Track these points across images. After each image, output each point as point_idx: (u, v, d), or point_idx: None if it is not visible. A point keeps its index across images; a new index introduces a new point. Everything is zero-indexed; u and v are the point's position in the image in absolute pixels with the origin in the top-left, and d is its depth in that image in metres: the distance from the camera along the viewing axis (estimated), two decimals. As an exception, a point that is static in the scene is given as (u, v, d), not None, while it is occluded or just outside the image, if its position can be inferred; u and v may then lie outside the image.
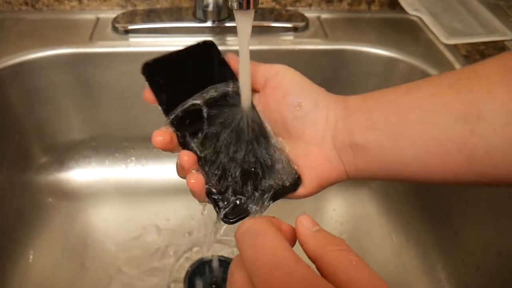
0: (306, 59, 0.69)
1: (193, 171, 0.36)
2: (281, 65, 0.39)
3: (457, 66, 0.63)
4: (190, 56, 0.41)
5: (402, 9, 0.75)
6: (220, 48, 0.66)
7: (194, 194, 0.36)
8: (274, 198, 0.35)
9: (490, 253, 0.54)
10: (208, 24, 0.67)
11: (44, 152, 0.72)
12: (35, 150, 0.71)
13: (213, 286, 0.63)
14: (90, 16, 0.71)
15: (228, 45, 0.67)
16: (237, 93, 0.39)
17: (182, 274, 0.64)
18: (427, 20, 0.72)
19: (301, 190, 0.37)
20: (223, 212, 0.34)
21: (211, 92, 0.39)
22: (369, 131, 0.35)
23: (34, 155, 0.71)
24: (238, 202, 0.34)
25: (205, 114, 0.38)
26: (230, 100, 0.39)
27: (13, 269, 0.63)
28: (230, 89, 0.39)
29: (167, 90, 0.39)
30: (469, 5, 0.75)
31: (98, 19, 0.70)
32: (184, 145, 0.36)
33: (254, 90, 0.40)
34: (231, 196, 0.34)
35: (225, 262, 0.65)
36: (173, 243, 0.68)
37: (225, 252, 0.67)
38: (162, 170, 0.77)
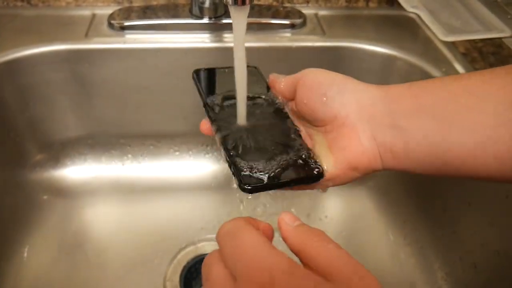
0: (303, 56, 0.68)
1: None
2: (307, 69, 0.40)
3: (455, 63, 0.63)
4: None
5: (400, 6, 0.74)
6: (217, 45, 0.67)
7: None
8: (293, 182, 0.35)
9: (488, 252, 0.54)
10: (205, 20, 0.67)
11: (39, 149, 0.71)
12: (30, 147, 0.70)
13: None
14: (86, 12, 0.70)
15: (224, 42, 0.66)
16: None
17: (178, 271, 0.64)
18: (425, 17, 0.72)
19: (331, 172, 0.36)
20: (240, 177, 0.34)
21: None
22: (415, 115, 0.34)
23: (29, 152, 0.70)
24: (256, 172, 0.35)
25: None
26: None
27: (7, 267, 0.62)
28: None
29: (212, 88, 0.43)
30: (467, 3, 0.75)
31: (94, 15, 0.70)
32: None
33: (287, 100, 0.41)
34: (251, 167, 0.35)
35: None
36: (169, 241, 0.67)
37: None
38: (159, 168, 0.77)
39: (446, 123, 0.33)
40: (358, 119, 0.36)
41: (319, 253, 0.26)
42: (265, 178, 0.34)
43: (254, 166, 0.35)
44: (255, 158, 0.36)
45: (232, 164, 0.35)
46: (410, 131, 0.34)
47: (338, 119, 0.37)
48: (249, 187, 0.33)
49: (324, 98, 0.37)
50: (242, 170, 0.34)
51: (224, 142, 0.37)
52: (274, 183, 0.34)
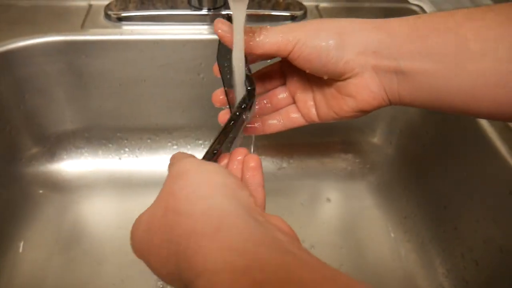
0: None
1: None
2: (296, 33, 0.36)
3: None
4: None
5: (402, -2, 0.73)
6: (215, 37, 0.65)
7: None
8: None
9: (490, 249, 0.53)
10: (204, 12, 0.66)
11: (35, 142, 0.70)
12: (25, 141, 0.69)
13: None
14: (82, 3, 0.69)
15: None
16: None
17: (176, 267, 0.63)
18: (428, 9, 0.71)
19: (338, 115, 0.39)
20: None
21: None
22: (419, 60, 0.33)
23: (25, 145, 0.69)
24: None
25: None
26: None
27: (2, 261, 0.61)
28: None
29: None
30: (471, -5, 0.74)
31: (90, 6, 0.68)
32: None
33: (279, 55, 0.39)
34: None
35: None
36: (167, 236, 0.67)
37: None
38: (156, 162, 0.76)
39: (454, 68, 0.32)
40: (364, 69, 0.36)
41: None
42: None
43: None
44: None
45: None
46: (415, 76, 0.34)
47: (345, 75, 0.36)
48: None
49: (327, 66, 0.36)
50: None
51: None
52: None
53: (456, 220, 0.60)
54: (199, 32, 0.65)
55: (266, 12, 0.68)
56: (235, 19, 0.37)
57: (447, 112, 0.35)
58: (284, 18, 0.68)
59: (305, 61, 0.36)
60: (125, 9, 0.66)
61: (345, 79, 0.37)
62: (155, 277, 0.61)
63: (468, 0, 0.72)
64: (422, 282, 0.62)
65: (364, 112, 0.38)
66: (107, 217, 0.69)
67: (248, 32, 0.37)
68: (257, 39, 0.36)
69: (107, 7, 0.66)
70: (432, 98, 0.34)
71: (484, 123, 0.55)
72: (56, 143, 0.72)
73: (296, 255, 0.25)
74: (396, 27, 0.35)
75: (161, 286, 0.61)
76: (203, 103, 0.71)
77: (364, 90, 0.36)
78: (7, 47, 0.61)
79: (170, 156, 0.74)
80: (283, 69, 0.43)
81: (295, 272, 0.23)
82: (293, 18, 0.68)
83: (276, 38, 0.36)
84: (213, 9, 0.66)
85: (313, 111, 0.41)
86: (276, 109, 0.43)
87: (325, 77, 0.37)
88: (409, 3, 0.73)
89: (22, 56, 0.62)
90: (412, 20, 0.35)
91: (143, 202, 0.70)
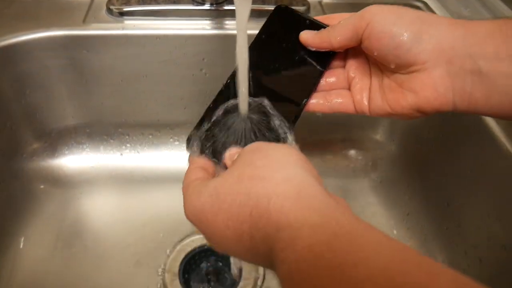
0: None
1: None
2: (372, 8, 0.36)
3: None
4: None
5: (406, -6, 0.73)
6: (218, 32, 0.65)
7: None
8: None
9: (494, 247, 0.53)
10: (206, 7, 0.65)
11: (36, 138, 0.70)
12: (27, 136, 0.69)
13: (208, 276, 0.62)
14: (84, -3, 0.69)
15: (226, 29, 0.65)
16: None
17: (177, 262, 0.63)
18: (433, 4, 0.70)
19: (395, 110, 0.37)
20: None
21: None
22: (502, 61, 0.32)
23: (26, 141, 0.69)
24: None
25: None
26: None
27: (3, 257, 0.61)
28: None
29: None
30: (476, -10, 0.73)
31: (92, 0, 0.68)
32: None
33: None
34: None
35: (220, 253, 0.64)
36: (167, 232, 0.66)
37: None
38: (158, 158, 0.75)
39: None
40: (436, 64, 0.34)
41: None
42: None
43: None
44: None
45: None
46: (495, 78, 0.32)
47: (414, 66, 0.35)
48: None
49: (398, 51, 0.34)
50: None
51: None
52: None
53: (459, 217, 0.59)
54: (202, 27, 0.64)
55: (269, 7, 0.67)
56: (239, 15, 0.36)
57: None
58: (287, 14, 0.67)
59: (375, 40, 0.35)
60: (127, 3, 0.65)
61: (411, 72, 0.35)
62: (158, 272, 0.61)
63: (473, -4, 0.72)
64: (425, 279, 0.62)
65: (421, 113, 0.36)
66: (108, 213, 0.69)
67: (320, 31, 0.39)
68: (330, 32, 0.37)
69: (109, 1, 0.66)
70: (509, 101, 0.33)
71: (488, 119, 0.55)
72: (58, 139, 0.72)
73: (366, 224, 0.27)
74: (475, 26, 0.34)
75: (161, 280, 0.61)
76: (205, 99, 0.70)
77: (429, 87, 0.35)
78: (9, 42, 0.61)
79: (171, 152, 0.76)
80: (345, 51, 0.40)
81: (372, 233, 0.26)
82: (296, 14, 0.67)
83: (349, 20, 0.36)
84: (216, 4, 0.65)
85: (365, 101, 0.39)
86: (327, 90, 0.41)
87: (392, 66, 0.36)
88: (413, -1, 0.72)
89: (23, 51, 0.62)
90: (492, 21, 0.34)
91: (145, 198, 0.71)
